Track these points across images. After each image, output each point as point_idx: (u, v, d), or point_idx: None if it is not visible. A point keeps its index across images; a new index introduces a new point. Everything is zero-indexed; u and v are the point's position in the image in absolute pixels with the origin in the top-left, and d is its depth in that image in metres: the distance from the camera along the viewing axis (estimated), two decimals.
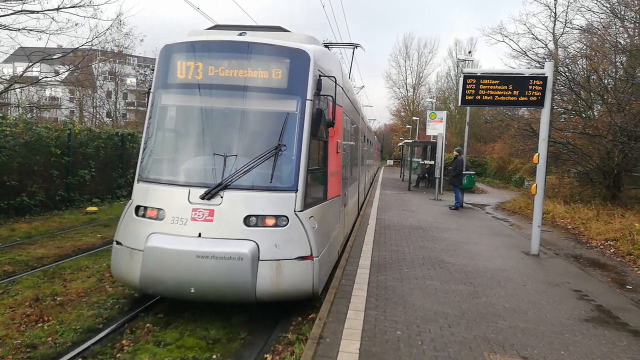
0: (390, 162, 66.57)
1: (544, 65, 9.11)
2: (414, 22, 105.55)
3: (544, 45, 25.21)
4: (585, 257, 9.66)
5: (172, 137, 5.94)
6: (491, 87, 8.48)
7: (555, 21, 26.89)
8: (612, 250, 10.21)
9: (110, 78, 39.82)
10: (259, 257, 4.90)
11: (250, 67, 5.51)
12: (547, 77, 8.45)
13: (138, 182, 5.63)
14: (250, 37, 5.86)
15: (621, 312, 5.75)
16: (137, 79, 45.07)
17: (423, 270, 7.22)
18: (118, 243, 5.39)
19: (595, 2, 21.04)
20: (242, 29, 6.35)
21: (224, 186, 5.15)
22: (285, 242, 5.04)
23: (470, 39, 72.55)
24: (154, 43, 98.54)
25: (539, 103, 8.51)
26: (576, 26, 25.14)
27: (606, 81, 16.58)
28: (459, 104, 8.93)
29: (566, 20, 25.61)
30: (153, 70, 5.98)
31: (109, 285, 6.71)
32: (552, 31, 26.76)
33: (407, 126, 60.94)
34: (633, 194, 15.88)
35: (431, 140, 24.96)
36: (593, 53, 16.64)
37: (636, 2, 15.50)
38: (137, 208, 5.40)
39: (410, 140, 30.02)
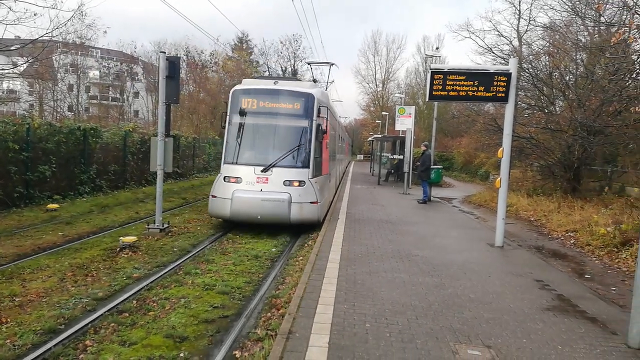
0: (360, 156, 67.16)
1: (508, 62, 9.33)
2: (383, 17, 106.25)
3: (508, 42, 25.85)
4: (547, 248, 9.97)
5: (241, 140, 10.83)
6: (458, 82, 8.63)
7: (519, 19, 27.60)
8: (572, 241, 10.58)
9: (72, 70, 38.54)
10: (291, 201, 10.00)
11: (282, 102, 10.85)
12: (511, 73, 8.67)
13: (224, 164, 10.78)
14: (280, 85, 11.15)
15: (580, 301, 5.98)
16: (100, 71, 43.81)
17: (392, 264, 7.30)
18: (214, 196, 10.55)
19: (557, 0, 21.72)
20: (274, 79, 11.73)
21: (272, 165, 10.33)
22: (304, 194, 10.20)
23: (438, 35, 73.61)
24: (118, 34, 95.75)
25: (504, 99, 8.71)
26: (539, 24, 25.92)
27: (567, 78, 17.15)
28: (427, 100, 9.05)
29: (530, 17, 26.39)
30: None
31: (71, 284, 6.52)
32: (516, 28, 27.46)
33: (377, 121, 61.49)
34: (592, 186, 16.49)
35: (400, 135, 25.25)
36: (555, 50, 17.16)
37: (596, 0, 16.06)
38: (225, 177, 10.50)
39: (380, 135, 30.25)
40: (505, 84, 8.62)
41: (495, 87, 8.62)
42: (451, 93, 8.64)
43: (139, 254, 8.21)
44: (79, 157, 14.58)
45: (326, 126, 11.50)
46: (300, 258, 8.31)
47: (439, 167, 18.38)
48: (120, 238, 8.68)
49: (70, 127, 14.44)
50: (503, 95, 8.66)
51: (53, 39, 16.96)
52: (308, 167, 10.61)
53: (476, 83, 8.60)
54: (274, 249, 9.09)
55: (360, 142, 75.00)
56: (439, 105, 20.99)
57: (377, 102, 68.75)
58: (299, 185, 10.37)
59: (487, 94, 8.64)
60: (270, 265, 7.96)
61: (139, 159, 18.03)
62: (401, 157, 22.10)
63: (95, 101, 45.38)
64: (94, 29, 26.18)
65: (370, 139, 41.26)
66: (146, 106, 43.91)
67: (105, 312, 5.52)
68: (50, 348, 4.59)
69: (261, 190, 10.15)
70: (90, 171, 14.96)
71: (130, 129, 18.47)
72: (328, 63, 17.70)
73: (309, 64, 19.77)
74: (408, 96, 54.95)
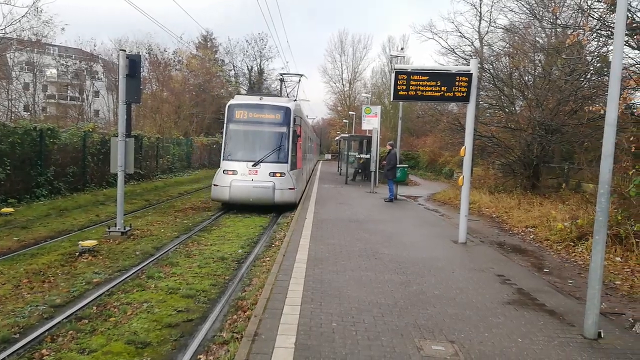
0: (328, 156, 67.28)
1: (470, 63, 9.55)
2: (349, 17, 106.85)
3: (470, 43, 26.51)
4: (508, 243, 10.26)
5: (236, 142, 14.20)
6: (421, 83, 8.77)
7: (480, 20, 28.35)
8: (531, 237, 10.91)
9: (28, 69, 37.04)
10: (275, 187, 13.33)
11: (266, 114, 14.27)
12: (472, 73, 8.87)
13: (223, 160, 13.97)
14: (264, 100, 14.66)
15: (539, 294, 6.18)
16: (58, 69, 42.27)
17: (359, 262, 7.36)
18: (216, 185, 13.72)
19: (516, 2, 22.39)
20: (259, 94, 16.08)
21: (260, 161, 13.58)
22: (284, 182, 13.56)
23: (403, 36, 74.76)
24: (77, 32, 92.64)
25: (465, 98, 8.91)
26: (500, 25, 26.65)
27: (526, 78, 17.72)
28: (392, 99, 9.16)
29: (490, 19, 27.16)
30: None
31: (26, 291, 6.27)
32: (477, 30, 28.17)
33: (344, 121, 61.76)
34: (550, 183, 17.10)
35: (367, 134, 25.45)
36: (515, 51, 17.71)
37: (553, 3, 16.66)
38: (224, 170, 13.68)
39: (347, 135, 30.39)
40: (466, 84, 8.82)
41: (457, 87, 8.81)
42: (415, 93, 8.79)
43: (100, 259, 8.00)
44: (35, 159, 14.02)
45: (300, 132, 15.31)
46: (268, 259, 8.27)
47: (405, 165, 18.68)
48: (80, 242, 8.44)
49: (25, 128, 13.87)
50: (465, 95, 8.86)
51: (6, 35, 16.21)
52: (287, 162, 14.16)
53: (439, 83, 8.77)
54: (240, 250, 9.03)
55: (328, 142, 75.22)
56: (404, 105, 21.30)
57: (344, 102, 69.18)
58: (280, 176, 13.91)
59: (450, 94, 8.82)
60: (236, 267, 7.89)
61: (100, 160, 17.53)
62: (368, 156, 22.31)
63: (53, 100, 43.76)
64: (51, 25, 25.19)
65: (337, 138, 41.41)
66: (107, 105, 42.70)
67: (63, 319, 5.33)
68: (4, 359, 4.39)
69: (252, 179, 13.68)
70: (47, 173, 14.42)
71: (90, 129, 17.94)
72: (298, 74, 22.71)
73: (281, 79, 23.87)
74: (374, 96, 55.52)
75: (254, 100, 14.93)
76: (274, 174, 13.78)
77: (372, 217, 12.26)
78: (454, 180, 25.45)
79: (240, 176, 13.66)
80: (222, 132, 14.41)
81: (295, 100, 17.59)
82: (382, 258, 7.73)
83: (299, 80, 22.96)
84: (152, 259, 8.10)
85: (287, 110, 14.50)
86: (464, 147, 9.06)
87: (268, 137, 14.42)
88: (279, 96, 17.35)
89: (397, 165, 16.77)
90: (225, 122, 14.58)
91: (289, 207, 14.16)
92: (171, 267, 7.68)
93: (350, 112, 54.51)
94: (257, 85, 56.27)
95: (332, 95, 72.65)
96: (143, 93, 37.08)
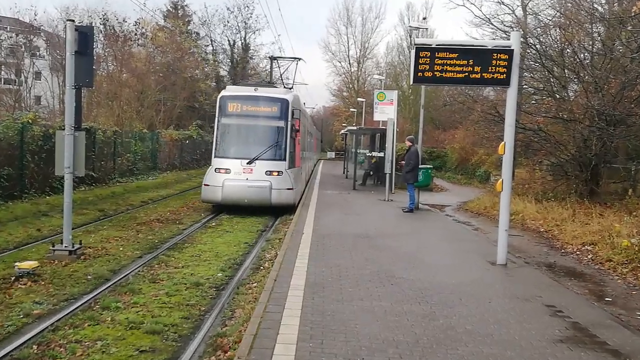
0: (331, 154, 67.37)
1: (510, 36, 9.57)
2: None
3: (511, 12, 26.49)
4: (559, 265, 10.26)
5: (229, 137, 16.39)
6: (448, 61, 8.80)
7: None
8: (589, 257, 10.91)
9: None
10: (272, 187, 15.35)
11: (262, 106, 16.53)
12: (513, 50, 8.90)
13: (215, 157, 16.15)
14: (260, 92, 16.73)
15: (599, 330, 6.16)
16: None
17: (370, 289, 7.37)
18: (206, 185, 15.78)
19: None
20: (254, 85, 17.90)
21: (255, 158, 15.65)
22: (282, 182, 15.66)
23: (425, 3, 75.04)
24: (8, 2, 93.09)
25: (505, 81, 8.94)
26: None
27: (582, 55, 17.69)
28: (411, 83, 9.18)
29: None
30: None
31: None
32: None
33: (352, 109, 61.98)
34: (613, 189, 17.03)
35: (380, 127, 25.43)
36: (567, 22, 17.68)
37: None
38: (216, 169, 15.74)
39: (355, 128, 30.43)
40: (506, 63, 8.83)
41: (494, 67, 8.83)
42: (441, 74, 8.80)
43: (42, 284, 7.99)
44: None
45: (298, 126, 17.36)
46: (254, 284, 8.30)
47: (429, 166, 18.67)
48: (16, 263, 8.42)
49: None
50: (504, 77, 8.87)
51: None
52: (285, 160, 16.26)
53: (471, 62, 8.79)
54: (220, 274, 9.07)
55: (331, 137, 75.41)
56: (427, 89, 21.37)
57: (351, 86, 69.50)
58: (277, 175, 15.84)
59: (485, 76, 8.84)
60: (215, 295, 7.91)
61: (42, 160, 17.54)
62: (382, 154, 22.30)
63: None
64: None
65: (343, 132, 41.50)
66: (51, 90, 42.68)
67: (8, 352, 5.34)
68: None
69: (247, 179, 15.56)
70: None
71: (30, 120, 17.96)
72: (294, 58, 25.08)
73: (271, 58, 26.98)
74: (389, 78, 55.74)
75: (248, 91, 17.15)
76: (270, 173, 15.82)
77: (386, 232, 12.27)
78: (490, 185, 25.47)
79: (234, 175, 15.61)
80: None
81: (291, 88, 20.20)
82: (399, 283, 7.74)
83: (297, 64, 25.13)
84: (108, 285, 8.09)
85: (284, 102, 16.65)
86: (503, 142, 9.08)
87: (264, 132, 16.69)
88: (275, 86, 20.16)
89: (419, 166, 16.84)
90: (216, 115, 16.92)
91: (286, 210, 16.15)
92: (132, 295, 7.68)
93: (359, 99, 54.77)
94: (240, 64, 56.59)
95: (336, 78, 73.10)
96: (97, 74, 37.16)
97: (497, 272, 8.84)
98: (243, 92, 17.18)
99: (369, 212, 15.66)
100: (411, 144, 16.95)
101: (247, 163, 15.72)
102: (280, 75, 25.49)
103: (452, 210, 18.47)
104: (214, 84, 54.70)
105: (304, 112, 23.00)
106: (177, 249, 11.03)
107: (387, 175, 19.37)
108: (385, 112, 22.07)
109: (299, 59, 24.29)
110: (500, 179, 9.22)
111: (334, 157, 65.22)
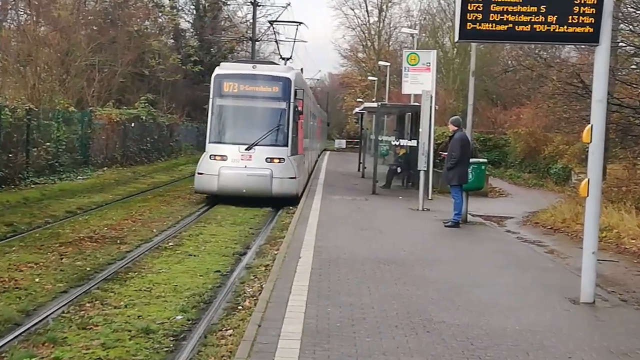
0: (340, 142, 67.12)
1: None
2: None
3: None
4: None
5: (225, 121, 21.65)
6: (510, 7, 8.75)
7: None
8: None
9: None
10: (273, 176, 20.04)
11: (261, 86, 21.50)
12: None
13: (210, 143, 21.26)
14: (258, 69, 21.65)
15: None
16: None
17: (396, 339, 7.29)
18: (200, 174, 20.71)
19: None
20: (252, 62, 24.68)
21: (255, 144, 20.36)
22: (284, 170, 20.48)
23: None
24: None
25: (592, 37, 8.88)
26: None
27: None
28: (456, 40, 9.14)
29: None
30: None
31: None
32: None
33: (370, 78, 61.91)
34: None
35: (412, 103, 25.20)
36: None
37: None
38: (211, 155, 20.74)
39: (376, 104, 30.22)
40: (594, 10, 8.77)
41: (576, 17, 8.76)
42: (498, 27, 8.76)
43: None
44: None
45: (302, 108, 21.80)
46: (229, 332, 8.23)
47: (482, 161, 18.55)
48: None
49: None
50: (590, 30, 8.82)
51: None
52: (287, 145, 20.69)
53: (543, 8, 8.75)
54: (179, 316, 9.00)
55: (341, 118, 75.28)
56: (479, 49, 21.20)
57: (369, 44, 69.34)
58: (279, 162, 20.11)
59: (563, 29, 8.78)
60: (172, 348, 7.84)
61: None
62: (414, 143, 22.18)
63: None
64: None
65: (358, 110, 41.25)
66: None
67: None
68: None
69: (245, 166, 19.84)
70: None
71: None
72: (295, 22, 30.55)
73: (271, 24, 33.43)
74: (425, 33, 55.53)
75: (245, 69, 21.80)
76: (271, 160, 20.23)
77: (420, 256, 12.19)
78: (571, 187, 25.32)
79: (231, 162, 20.16)
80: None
81: (290, 58, 27.81)
82: (439, 330, 7.66)
83: (297, 28, 31.03)
84: (17, 333, 8.00)
85: (286, 81, 21.18)
86: (589, 126, 9.02)
87: (264, 114, 21.46)
88: (275, 63, 25.86)
89: (469, 161, 16.64)
90: (210, 96, 21.44)
91: (289, 201, 20.41)
92: (53, 347, 7.59)
93: (380, 63, 54.51)
94: (210, 12, 56.53)
95: (348, 32, 73.13)
96: (1, 27, 36.83)
97: (581, 315, 8.75)
98: (240, 70, 21.79)
99: (396, 228, 15.58)
100: (456, 128, 16.68)
101: (246, 149, 20.11)
102: (276, 42, 33.43)
103: (515, 225, 18.32)
104: (172, 40, 54.92)
105: (307, 91, 28.73)
106: (118, 280, 10.92)
107: (422, 174, 19.25)
108: (419, 81, 22.02)
109: (300, 22, 30.45)
110: (586, 179, 9.15)
111: (344, 146, 65.05)
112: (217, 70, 21.59)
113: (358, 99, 59.69)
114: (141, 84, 47.41)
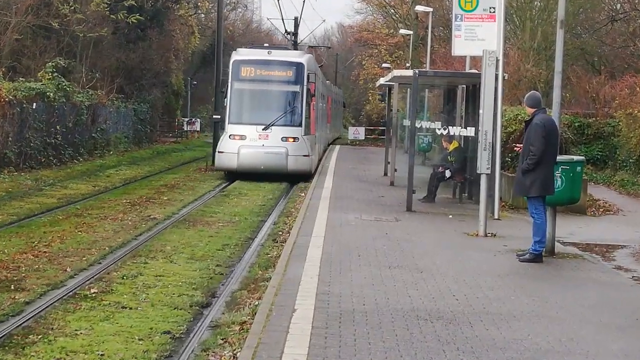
0: (358, 133, 59.90)
1: None
2: None
3: None
4: None
5: (244, 103, 35.64)
6: None
7: None
8: None
9: None
10: (288, 154, 33.18)
11: (277, 70, 35.71)
12: None
13: (229, 124, 33.87)
14: (274, 55, 35.71)
15: None
16: None
17: None
18: (221, 152, 33.50)
19: None
20: (268, 48, 37.63)
21: (272, 124, 33.31)
22: (298, 148, 34.34)
23: None
24: None
25: None
26: None
27: None
28: None
29: None
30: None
31: None
32: None
33: (402, 32, 54.17)
34: None
35: (468, 71, 22.04)
36: None
37: None
38: (230, 135, 33.46)
39: (411, 72, 23.94)
40: None
41: None
42: None
43: None
44: None
45: (314, 91, 29.33)
46: None
47: (578, 159, 15.34)
48: None
49: None
50: None
51: None
52: (301, 126, 28.35)
53: None
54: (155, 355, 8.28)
55: (356, 95, 70.16)
56: None
57: None
58: (293, 141, 27.39)
59: None
60: None
61: None
62: (471, 132, 18.52)
63: None
64: None
65: (383, 81, 34.11)
66: None
67: None
68: None
69: (263, 145, 26.98)
70: None
71: None
72: None
73: None
74: None
75: (261, 55, 29.68)
76: (286, 139, 26.98)
77: (483, 307, 9.99)
78: None
79: (250, 141, 26.65)
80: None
81: (307, 51, 37.41)
82: None
83: (303, 2, 42.59)
84: None
85: (300, 66, 28.28)
86: None
87: (279, 97, 28.75)
88: (289, 49, 34.84)
89: (555, 159, 13.40)
90: (229, 80, 28.28)
91: (303, 177, 27.17)
92: None
93: (418, 8, 46.61)
94: None
95: None
96: None
97: None
98: (256, 56, 29.61)
99: (444, 263, 12.77)
100: (536, 109, 13.40)
101: (263, 129, 26.93)
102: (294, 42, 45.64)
103: (630, 258, 15.49)
104: None
105: (319, 74, 37.77)
106: (12, 347, 8.79)
107: (484, 180, 15.74)
108: (479, 36, 18.37)
109: None
110: None
111: (362, 137, 57.54)
112: (235, 56, 29.41)
113: (384, 65, 54.07)
114: (47, 42, 39.00)
